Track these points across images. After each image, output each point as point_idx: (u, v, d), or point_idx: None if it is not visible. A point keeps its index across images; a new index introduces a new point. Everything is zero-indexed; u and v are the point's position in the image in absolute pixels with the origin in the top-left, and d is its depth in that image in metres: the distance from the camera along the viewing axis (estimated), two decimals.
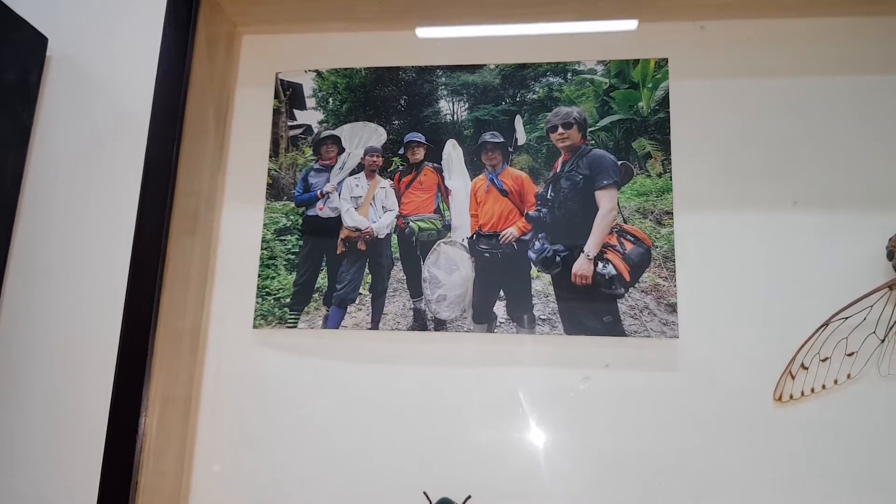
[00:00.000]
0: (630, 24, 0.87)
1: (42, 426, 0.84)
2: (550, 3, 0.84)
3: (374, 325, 0.82)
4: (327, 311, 0.84)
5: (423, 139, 0.87)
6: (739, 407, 0.76)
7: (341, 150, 0.89)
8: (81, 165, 0.91)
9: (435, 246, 0.84)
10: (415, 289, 0.83)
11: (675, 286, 0.79)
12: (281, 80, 0.92)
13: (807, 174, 0.80)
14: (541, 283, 0.81)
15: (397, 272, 0.84)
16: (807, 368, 0.76)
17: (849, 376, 0.75)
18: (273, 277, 0.85)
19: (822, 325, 0.76)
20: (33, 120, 0.92)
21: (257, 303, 0.85)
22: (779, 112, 0.82)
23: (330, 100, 0.90)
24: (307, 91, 0.91)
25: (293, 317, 0.84)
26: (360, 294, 0.84)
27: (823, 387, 0.75)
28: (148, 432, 0.75)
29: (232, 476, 0.82)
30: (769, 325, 0.77)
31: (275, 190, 0.88)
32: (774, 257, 0.79)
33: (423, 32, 0.90)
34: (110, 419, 0.74)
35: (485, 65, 0.88)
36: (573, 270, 0.80)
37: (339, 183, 0.88)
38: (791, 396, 0.75)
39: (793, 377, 0.76)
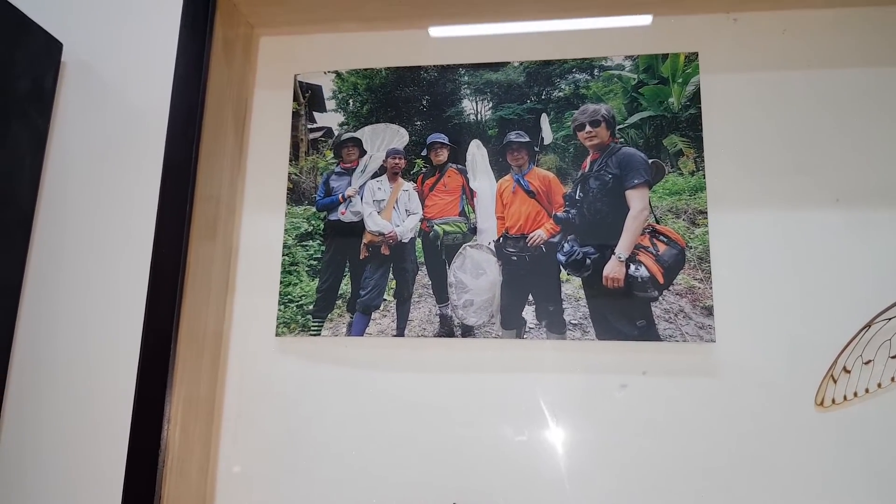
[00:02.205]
0: (658, 17, 0.84)
1: (64, 430, 0.83)
2: None
3: (400, 331, 0.80)
4: (351, 317, 0.82)
5: (446, 140, 0.85)
6: (780, 413, 0.74)
7: (363, 152, 0.87)
8: (98, 171, 0.90)
9: (461, 249, 0.82)
10: (441, 294, 0.81)
11: (710, 288, 0.76)
12: (300, 81, 0.90)
13: (847, 170, 0.78)
14: (571, 286, 0.78)
15: (422, 277, 0.82)
16: (849, 372, 0.73)
17: (893, 379, 0.73)
18: (295, 284, 0.84)
19: (864, 327, 0.73)
20: (49, 126, 0.91)
21: (279, 310, 0.83)
22: (816, 106, 0.80)
23: (350, 101, 0.88)
24: (327, 93, 0.89)
25: (316, 324, 0.82)
26: (385, 300, 0.82)
27: (867, 390, 0.73)
28: (171, 442, 0.73)
29: (256, 487, 0.80)
30: (809, 327, 0.75)
31: (295, 194, 0.87)
32: (814, 256, 0.76)
33: (438, 31, 0.88)
34: (132, 429, 0.73)
35: (509, 62, 0.85)
36: (604, 273, 0.78)
37: (361, 186, 0.86)
38: (833, 401, 0.73)
39: (835, 381, 0.73)
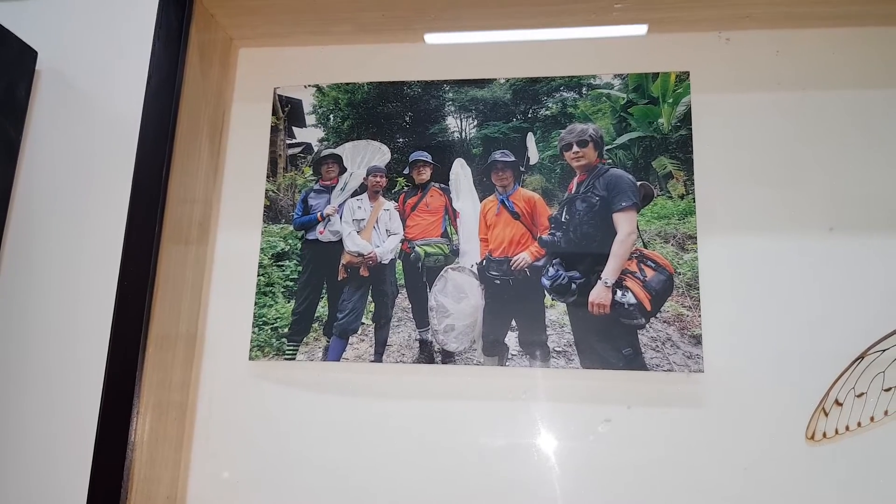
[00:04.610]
0: (649, 35, 0.82)
1: (29, 437, 0.80)
2: (561, 13, 0.80)
3: (378, 357, 0.78)
4: (328, 341, 0.79)
5: (429, 158, 0.83)
6: (769, 446, 0.72)
7: (343, 169, 0.84)
8: (71, 182, 0.87)
9: (442, 272, 0.79)
10: (421, 318, 0.78)
11: (699, 316, 0.74)
12: (279, 95, 0.87)
13: (841, 195, 0.76)
14: (555, 312, 0.76)
15: (402, 300, 0.79)
16: (841, 405, 0.71)
17: (886, 413, 0.71)
18: (270, 306, 0.81)
19: (857, 359, 0.71)
20: (22, 135, 0.88)
21: (253, 333, 0.80)
22: (811, 130, 0.78)
23: (331, 116, 0.86)
24: (307, 107, 0.86)
25: (291, 348, 0.79)
26: (363, 324, 0.79)
27: (859, 424, 0.71)
28: (136, 473, 0.70)
29: None
30: (801, 358, 0.73)
31: (272, 212, 0.84)
32: (806, 286, 0.74)
33: (432, 38, 0.85)
34: (95, 452, 0.70)
35: (494, 79, 0.83)
36: (590, 299, 0.75)
37: (341, 205, 0.83)
38: (824, 435, 0.71)
39: (826, 414, 0.71)
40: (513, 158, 0.81)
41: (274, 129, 0.86)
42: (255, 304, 0.81)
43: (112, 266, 0.76)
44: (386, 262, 0.81)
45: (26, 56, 0.88)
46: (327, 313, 0.80)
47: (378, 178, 0.83)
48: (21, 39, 0.87)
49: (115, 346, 0.72)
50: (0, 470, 0.80)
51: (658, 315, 0.74)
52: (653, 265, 0.76)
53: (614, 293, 0.75)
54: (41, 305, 0.84)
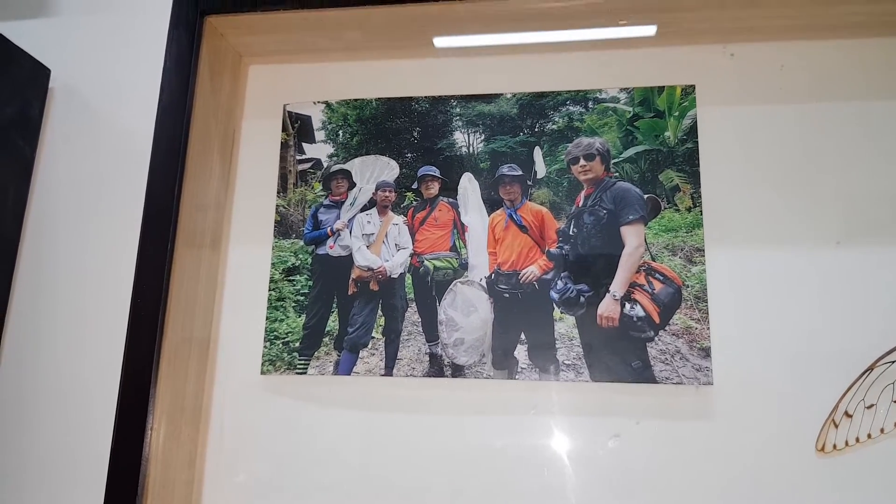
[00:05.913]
0: (654, 49, 0.82)
1: (49, 442, 0.81)
2: (567, 27, 0.80)
3: (388, 371, 0.78)
4: (338, 356, 0.80)
5: (437, 173, 0.83)
6: (779, 459, 0.72)
7: (352, 185, 0.85)
8: (84, 198, 0.88)
9: (451, 286, 0.80)
10: (430, 332, 0.79)
11: (708, 329, 0.74)
12: (289, 112, 0.88)
13: (848, 207, 0.76)
14: (564, 325, 0.76)
15: (412, 314, 0.80)
16: (851, 416, 0.71)
17: None
18: (281, 320, 0.82)
19: (866, 370, 0.71)
20: (36, 153, 0.89)
21: (265, 347, 0.81)
22: (817, 141, 0.78)
23: (340, 132, 0.86)
24: (316, 123, 0.87)
25: (302, 362, 0.80)
26: (373, 338, 0.80)
27: (869, 436, 0.71)
28: (151, 482, 0.71)
29: None
30: (810, 370, 0.73)
31: (283, 227, 0.85)
32: (815, 297, 0.74)
33: (441, 42, 0.85)
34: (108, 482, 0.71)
35: (501, 94, 0.84)
36: (599, 312, 0.76)
37: (351, 220, 0.84)
38: (835, 446, 0.71)
39: (836, 426, 0.71)
40: (520, 172, 0.81)
41: (284, 145, 0.87)
42: (267, 318, 0.82)
43: (125, 279, 0.77)
44: (395, 276, 0.81)
45: (40, 74, 0.90)
46: (338, 327, 0.81)
47: (387, 193, 0.84)
48: (34, 58, 0.88)
49: (129, 358, 0.73)
50: (17, 480, 0.81)
51: (667, 328, 0.74)
52: (661, 278, 0.76)
53: (623, 306, 0.75)
54: (56, 318, 0.85)
